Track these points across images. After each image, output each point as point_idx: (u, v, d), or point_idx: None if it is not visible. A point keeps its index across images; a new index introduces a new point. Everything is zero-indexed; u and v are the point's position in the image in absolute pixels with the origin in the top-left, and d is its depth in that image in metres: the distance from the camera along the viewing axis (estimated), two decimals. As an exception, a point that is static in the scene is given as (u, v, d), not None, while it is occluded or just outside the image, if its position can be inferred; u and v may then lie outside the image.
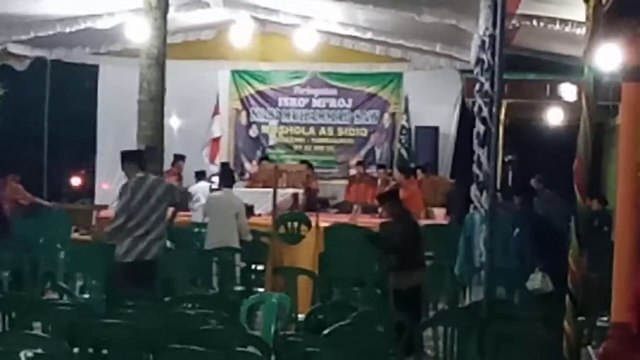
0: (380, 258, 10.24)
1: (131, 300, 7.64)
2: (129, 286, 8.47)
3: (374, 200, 15.76)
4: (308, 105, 20.60)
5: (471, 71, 14.91)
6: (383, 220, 12.09)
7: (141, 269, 8.95)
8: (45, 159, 18.81)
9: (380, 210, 12.26)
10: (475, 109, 12.55)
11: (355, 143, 20.46)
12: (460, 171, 16.75)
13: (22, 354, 5.31)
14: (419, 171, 17.26)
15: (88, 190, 20.35)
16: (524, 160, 17.11)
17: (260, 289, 10.12)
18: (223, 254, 11.14)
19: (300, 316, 8.31)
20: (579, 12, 7.95)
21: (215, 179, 16.31)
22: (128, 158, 9.51)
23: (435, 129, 19.43)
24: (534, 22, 12.12)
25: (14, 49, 17.17)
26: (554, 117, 17.04)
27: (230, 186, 12.33)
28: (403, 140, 19.57)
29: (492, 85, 9.64)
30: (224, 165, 18.16)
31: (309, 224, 12.61)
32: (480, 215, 10.39)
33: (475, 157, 12.05)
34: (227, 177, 12.82)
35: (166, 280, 10.28)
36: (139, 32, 13.02)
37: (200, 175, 16.19)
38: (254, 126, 20.81)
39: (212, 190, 14.81)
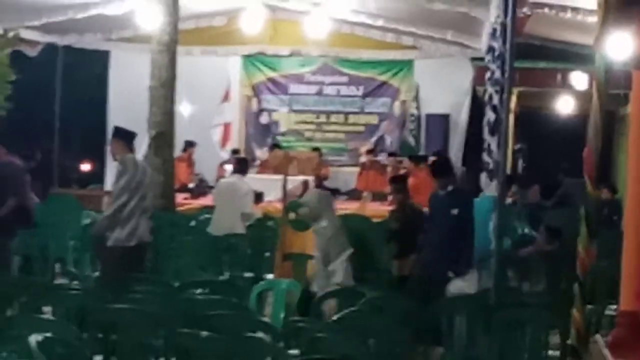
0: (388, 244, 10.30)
1: (140, 285, 7.68)
2: (131, 270, 8.43)
3: (384, 188, 15.77)
4: (319, 93, 20.55)
5: (482, 59, 14.86)
6: (392, 208, 12.13)
7: (142, 251, 8.93)
8: (56, 145, 18.85)
9: (389, 197, 12.28)
10: (486, 96, 12.53)
11: (365, 130, 20.42)
12: (471, 159, 16.75)
13: (31, 338, 5.32)
14: (430, 158, 17.25)
15: (98, 175, 20.40)
16: (534, 149, 17.07)
17: (270, 275, 10.15)
18: (233, 240, 11.16)
19: (310, 302, 8.35)
20: (591, 0, 7.94)
21: (227, 166, 16.34)
22: (120, 135, 9.26)
23: (446, 117, 19.41)
24: (546, 10, 12.07)
25: (26, 34, 17.15)
26: (564, 105, 17.01)
27: (241, 172, 12.29)
28: (411, 128, 19.56)
29: (502, 73, 9.60)
30: (235, 152, 18.18)
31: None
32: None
33: (485, 145, 12.05)
34: (240, 163, 12.83)
35: (176, 266, 10.33)
36: (151, 18, 13.03)
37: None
38: (265, 113, 20.78)
39: None
